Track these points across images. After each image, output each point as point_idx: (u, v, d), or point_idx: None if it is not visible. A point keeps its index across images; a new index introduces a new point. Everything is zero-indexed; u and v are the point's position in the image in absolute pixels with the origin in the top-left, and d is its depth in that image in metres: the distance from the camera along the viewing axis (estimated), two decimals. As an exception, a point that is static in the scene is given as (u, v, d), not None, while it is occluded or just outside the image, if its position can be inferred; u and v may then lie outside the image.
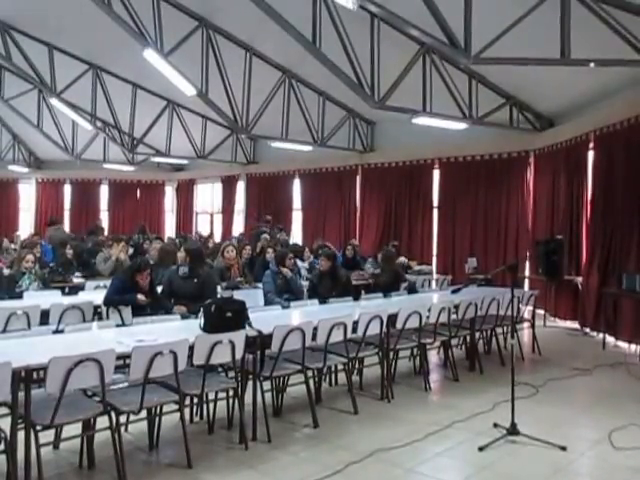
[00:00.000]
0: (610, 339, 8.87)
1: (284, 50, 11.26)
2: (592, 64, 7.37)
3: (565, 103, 10.79)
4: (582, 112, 10.40)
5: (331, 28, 8.67)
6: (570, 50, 7.03)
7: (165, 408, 4.68)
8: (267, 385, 5.22)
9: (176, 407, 4.48)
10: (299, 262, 10.21)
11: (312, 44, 8.71)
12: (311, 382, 5.58)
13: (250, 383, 5.01)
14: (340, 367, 6.21)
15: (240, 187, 18.43)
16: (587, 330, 9.80)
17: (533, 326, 8.50)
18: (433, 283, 11.18)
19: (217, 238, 16.51)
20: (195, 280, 6.38)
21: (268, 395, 5.25)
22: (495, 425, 5.14)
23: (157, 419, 4.74)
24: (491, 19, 7.29)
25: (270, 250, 9.28)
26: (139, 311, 5.99)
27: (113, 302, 6.17)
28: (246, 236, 14.25)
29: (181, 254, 6.66)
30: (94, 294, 7.18)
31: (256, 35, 11.26)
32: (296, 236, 16.08)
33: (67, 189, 20.47)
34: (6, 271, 7.57)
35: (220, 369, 5.16)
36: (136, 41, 10.16)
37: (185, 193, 20.56)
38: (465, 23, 7.08)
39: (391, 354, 6.40)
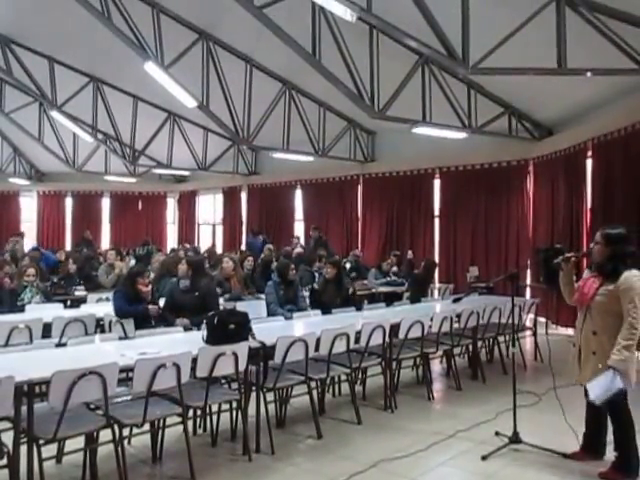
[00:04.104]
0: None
1: (284, 61, 11.33)
2: (589, 73, 7.43)
3: (563, 112, 10.84)
4: (580, 121, 10.45)
5: (331, 40, 8.74)
6: (567, 60, 7.10)
7: (168, 421, 4.67)
8: (270, 396, 5.21)
9: (179, 419, 4.47)
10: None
11: (312, 56, 8.77)
12: (314, 393, 5.57)
13: (253, 394, 5.00)
14: (343, 377, 6.24)
15: (242, 198, 18.48)
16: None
17: (535, 334, 8.51)
18: (435, 292, 11.20)
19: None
20: (196, 293, 6.37)
21: (271, 406, 5.23)
22: (497, 434, 5.14)
23: (160, 432, 4.74)
24: (488, 30, 7.36)
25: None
26: (142, 324, 6.00)
27: (128, 313, 6.14)
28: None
29: (182, 267, 6.65)
30: (96, 307, 7.22)
31: (256, 47, 11.33)
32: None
33: (68, 201, 20.46)
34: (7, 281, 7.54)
35: (223, 381, 5.17)
36: (137, 54, 10.24)
37: (187, 204, 20.59)
38: (463, 34, 7.15)
39: (394, 364, 6.39)
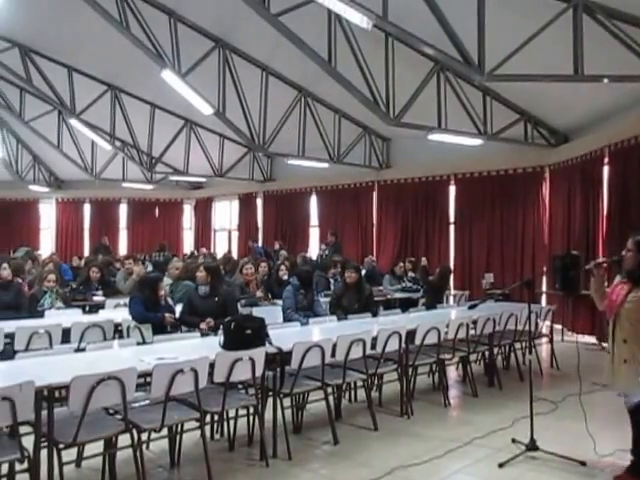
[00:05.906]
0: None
1: (300, 69, 11.40)
2: (605, 80, 7.40)
3: (579, 118, 10.80)
4: (596, 127, 10.41)
5: (346, 47, 8.79)
6: (583, 66, 7.08)
7: (186, 426, 4.70)
8: (287, 402, 5.22)
9: (197, 424, 4.49)
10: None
11: (327, 63, 8.83)
12: (331, 399, 5.58)
13: (270, 400, 5.03)
14: (359, 383, 6.23)
15: (258, 204, 18.57)
16: (605, 344, 9.70)
17: (551, 341, 8.47)
18: (451, 299, 11.18)
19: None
20: (216, 299, 6.45)
21: (288, 412, 5.25)
22: (513, 441, 5.11)
23: (178, 437, 4.77)
24: (504, 36, 7.37)
25: (283, 267, 9.22)
26: (158, 329, 6.08)
27: (147, 319, 6.21)
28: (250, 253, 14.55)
29: (200, 273, 6.71)
30: (115, 312, 7.29)
31: (272, 54, 11.41)
32: (313, 253, 16.12)
33: (87, 208, 20.71)
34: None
35: (240, 386, 5.20)
36: (154, 62, 10.36)
37: (203, 211, 20.72)
38: (479, 41, 7.17)
39: (410, 370, 6.39)
